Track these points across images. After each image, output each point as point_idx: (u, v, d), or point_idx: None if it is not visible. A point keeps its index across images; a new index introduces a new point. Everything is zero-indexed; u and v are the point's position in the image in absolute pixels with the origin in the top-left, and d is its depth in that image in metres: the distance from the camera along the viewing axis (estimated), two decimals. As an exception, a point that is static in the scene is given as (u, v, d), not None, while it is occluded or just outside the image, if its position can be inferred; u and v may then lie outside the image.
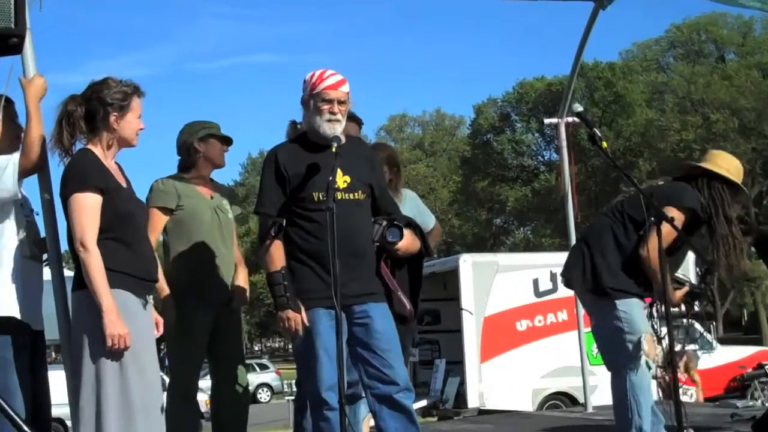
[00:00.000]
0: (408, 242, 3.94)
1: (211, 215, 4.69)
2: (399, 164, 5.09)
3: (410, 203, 5.05)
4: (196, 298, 4.52)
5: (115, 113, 3.65)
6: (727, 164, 4.46)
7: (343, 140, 3.80)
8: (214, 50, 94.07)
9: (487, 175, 42.46)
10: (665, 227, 3.99)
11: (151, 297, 3.75)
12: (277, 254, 3.79)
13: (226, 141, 4.82)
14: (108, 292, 3.43)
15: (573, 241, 6.62)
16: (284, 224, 3.83)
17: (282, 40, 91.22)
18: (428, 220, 5.22)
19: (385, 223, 3.91)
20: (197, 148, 4.72)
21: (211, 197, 4.77)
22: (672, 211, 4.20)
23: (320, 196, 3.78)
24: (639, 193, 4.24)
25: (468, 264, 12.15)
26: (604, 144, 4.01)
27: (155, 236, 4.57)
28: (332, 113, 3.84)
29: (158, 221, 4.59)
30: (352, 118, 4.66)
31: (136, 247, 3.60)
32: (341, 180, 3.83)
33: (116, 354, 3.44)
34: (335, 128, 3.84)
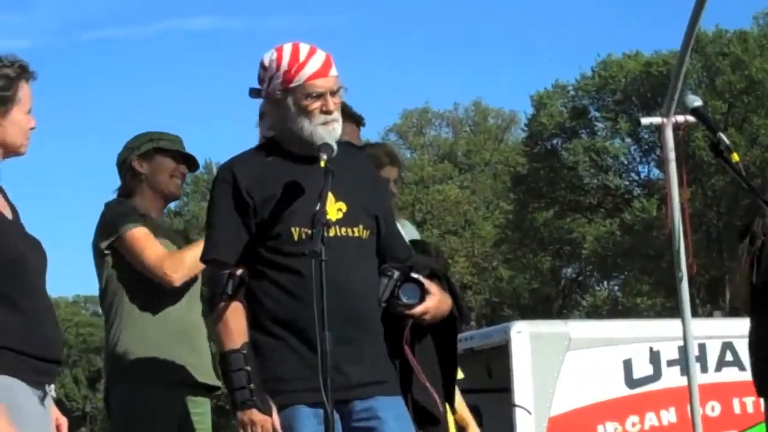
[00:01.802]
0: (436, 304, 3.95)
1: None
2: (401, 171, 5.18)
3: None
4: (165, 381, 4.62)
5: (-5, 109, 3.68)
6: None
7: (335, 149, 3.83)
8: (130, 11, 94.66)
9: (553, 201, 42.50)
10: None
11: (53, 387, 3.74)
12: (236, 324, 3.80)
13: (186, 160, 4.91)
14: None
15: (685, 301, 6.59)
16: (247, 277, 3.84)
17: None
18: None
19: (396, 275, 3.92)
20: (137, 168, 4.83)
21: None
22: None
23: (303, 233, 3.79)
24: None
25: (524, 337, 12.11)
26: (735, 156, 4.03)
27: (161, 255, 4.66)
28: (327, 112, 3.87)
29: (150, 238, 4.68)
30: (348, 114, 4.69)
31: (30, 310, 3.61)
32: (334, 209, 3.86)
33: None
34: (335, 132, 3.88)
